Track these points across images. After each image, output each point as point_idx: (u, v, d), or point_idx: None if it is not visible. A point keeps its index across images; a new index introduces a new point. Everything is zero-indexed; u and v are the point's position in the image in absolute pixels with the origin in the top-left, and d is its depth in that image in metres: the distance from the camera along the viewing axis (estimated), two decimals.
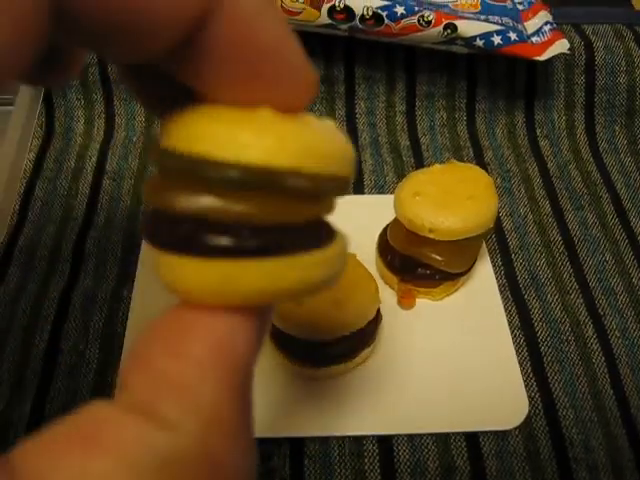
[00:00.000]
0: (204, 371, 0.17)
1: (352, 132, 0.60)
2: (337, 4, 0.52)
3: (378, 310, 0.43)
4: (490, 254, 0.52)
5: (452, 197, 0.45)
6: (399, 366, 0.45)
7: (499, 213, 0.54)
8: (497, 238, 0.53)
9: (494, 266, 0.51)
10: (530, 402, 0.44)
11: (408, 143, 0.60)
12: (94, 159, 0.58)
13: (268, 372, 0.44)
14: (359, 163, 0.58)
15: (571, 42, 0.60)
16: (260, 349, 0.19)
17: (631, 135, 0.61)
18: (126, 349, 0.45)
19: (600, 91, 0.61)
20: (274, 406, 0.43)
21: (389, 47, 0.59)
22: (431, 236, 0.44)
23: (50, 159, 0.57)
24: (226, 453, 0.17)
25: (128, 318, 0.47)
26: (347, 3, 0.52)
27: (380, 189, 0.56)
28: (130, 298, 0.48)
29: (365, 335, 0.42)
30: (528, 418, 0.43)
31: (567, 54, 0.57)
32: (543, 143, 0.61)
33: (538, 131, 0.61)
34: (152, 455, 0.15)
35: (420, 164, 0.58)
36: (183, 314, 0.18)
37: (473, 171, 0.47)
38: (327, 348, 0.41)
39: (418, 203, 0.44)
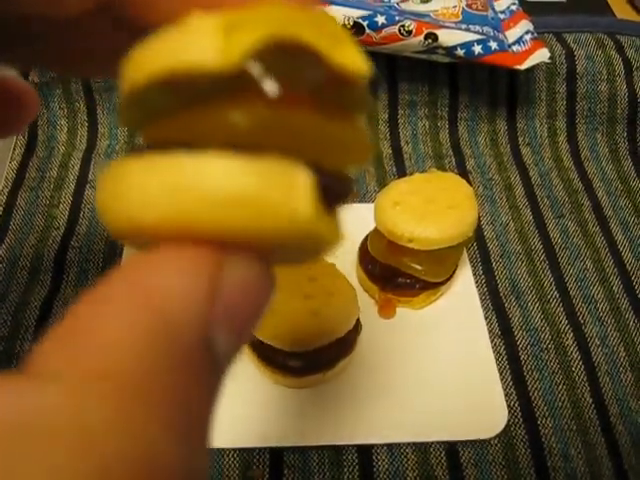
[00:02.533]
0: (114, 318, 0.13)
1: None
2: None
3: (357, 319, 0.43)
4: (471, 262, 0.52)
5: (432, 206, 0.45)
6: (379, 375, 0.45)
7: (480, 221, 0.55)
8: (478, 246, 0.53)
9: (475, 274, 0.51)
10: (509, 411, 0.44)
11: (390, 152, 0.60)
12: (77, 168, 0.58)
13: (246, 381, 0.44)
14: None
15: (552, 51, 0.60)
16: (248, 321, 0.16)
17: (612, 143, 0.62)
18: None
19: (581, 99, 0.61)
20: (253, 416, 0.43)
21: (371, 56, 0.59)
22: (411, 246, 0.44)
23: (32, 168, 0.57)
24: (112, 433, 0.12)
25: None
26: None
27: (362, 198, 0.56)
28: None
29: (344, 345, 0.42)
30: (507, 427, 0.43)
31: (548, 63, 0.57)
32: (525, 151, 0.61)
33: (520, 139, 0.62)
34: (11, 419, 0.12)
35: (402, 173, 0.59)
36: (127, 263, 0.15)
37: (454, 180, 0.47)
38: (306, 358, 0.41)
39: (398, 213, 0.44)
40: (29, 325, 0.47)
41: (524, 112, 0.62)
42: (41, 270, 0.50)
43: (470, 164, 0.60)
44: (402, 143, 0.61)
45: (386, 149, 0.60)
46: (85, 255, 0.51)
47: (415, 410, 0.43)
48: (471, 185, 0.56)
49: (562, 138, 0.62)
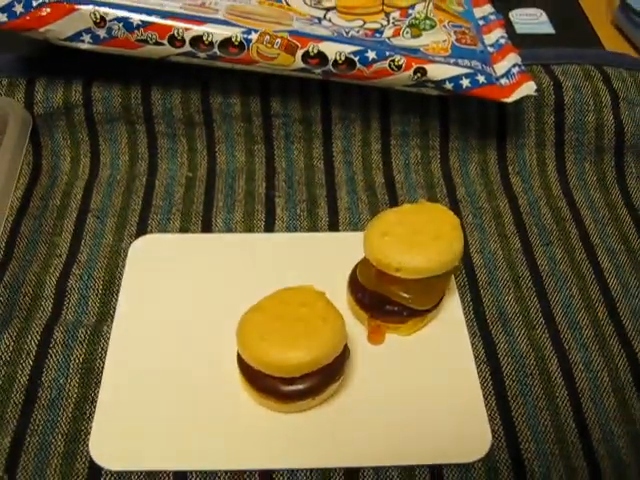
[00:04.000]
0: None
1: (329, 170, 0.63)
2: (310, 50, 0.54)
3: (346, 346, 0.45)
4: (459, 289, 0.53)
5: (419, 237, 0.46)
6: (367, 400, 0.46)
7: (469, 249, 0.56)
8: (467, 274, 0.55)
9: (463, 301, 0.53)
10: (493, 435, 0.45)
11: (383, 181, 0.62)
12: (79, 197, 0.60)
13: (237, 405, 0.46)
14: (335, 200, 0.60)
15: (541, 82, 0.62)
16: None
17: (600, 171, 0.63)
18: (104, 383, 0.47)
19: (569, 129, 0.63)
20: (243, 439, 0.44)
21: (363, 89, 0.61)
22: (398, 275, 0.46)
23: (36, 197, 0.59)
24: None
25: (107, 354, 0.48)
26: (320, 49, 0.54)
27: (355, 226, 0.58)
28: (109, 334, 0.49)
29: (333, 370, 0.44)
30: (491, 451, 0.44)
31: (536, 95, 0.59)
32: (515, 180, 0.63)
33: (510, 168, 0.63)
34: None
35: (394, 202, 0.60)
36: None
37: (441, 211, 0.49)
38: (295, 383, 0.43)
39: (386, 243, 0.46)
40: (30, 349, 0.48)
41: (514, 142, 0.64)
42: (43, 296, 0.52)
43: (460, 193, 0.61)
44: (395, 172, 0.63)
45: (379, 178, 0.62)
46: (85, 282, 0.53)
47: (401, 433, 0.45)
48: (461, 214, 0.58)
49: (551, 167, 0.63)
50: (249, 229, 0.58)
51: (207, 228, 0.58)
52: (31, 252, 0.55)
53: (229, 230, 0.58)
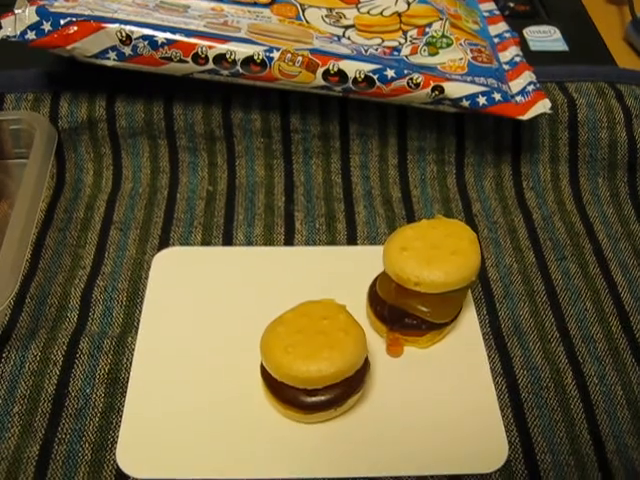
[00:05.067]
0: None
1: (347, 185, 0.64)
2: (331, 68, 0.56)
3: (366, 358, 0.46)
4: (476, 303, 0.54)
5: (437, 252, 0.47)
6: (386, 411, 0.47)
7: (485, 263, 0.57)
8: (483, 288, 0.56)
9: (479, 315, 0.54)
10: (510, 446, 0.46)
11: (400, 195, 0.63)
12: (102, 209, 0.61)
13: (260, 415, 0.47)
14: (353, 215, 0.61)
15: (555, 99, 0.64)
16: None
17: (613, 187, 0.64)
18: (130, 393, 0.48)
19: (583, 146, 0.64)
20: (265, 448, 0.45)
21: (381, 105, 0.62)
22: (417, 289, 0.47)
23: (60, 209, 0.61)
24: None
25: (132, 364, 0.50)
26: (340, 67, 0.56)
27: (372, 240, 0.59)
28: (134, 345, 0.51)
29: (354, 382, 0.45)
30: (508, 462, 0.45)
31: (549, 113, 0.60)
32: (529, 195, 0.64)
33: (524, 183, 0.64)
34: None
35: (411, 216, 0.62)
36: None
37: (458, 227, 0.50)
38: (317, 395, 0.44)
39: (405, 258, 0.47)
40: (57, 360, 0.50)
41: (528, 158, 0.65)
42: (68, 307, 0.53)
43: (476, 208, 0.62)
44: (411, 187, 0.64)
45: (396, 193, 0.63)
46: (110, 294, 0.54)
47: (420, 444, 0.46)
48: (477, 228, 0.59)
49: (565, 182, 0.64)
50: (269, 243, 0.59)
51: (228, 241, 0.59)
52: (56, 264, 0.56)
53: (250, 243, 0.59)
